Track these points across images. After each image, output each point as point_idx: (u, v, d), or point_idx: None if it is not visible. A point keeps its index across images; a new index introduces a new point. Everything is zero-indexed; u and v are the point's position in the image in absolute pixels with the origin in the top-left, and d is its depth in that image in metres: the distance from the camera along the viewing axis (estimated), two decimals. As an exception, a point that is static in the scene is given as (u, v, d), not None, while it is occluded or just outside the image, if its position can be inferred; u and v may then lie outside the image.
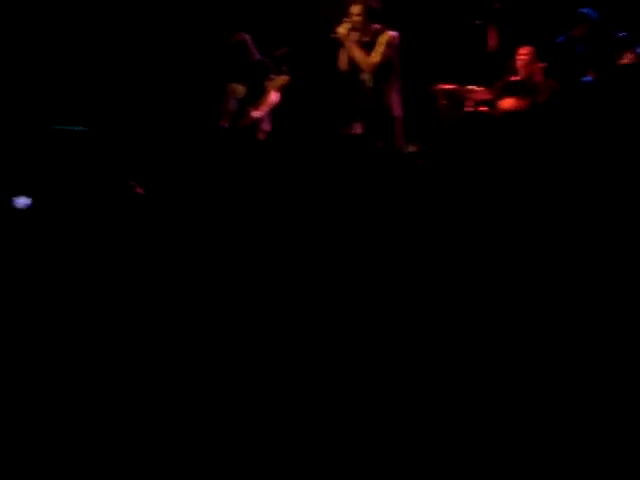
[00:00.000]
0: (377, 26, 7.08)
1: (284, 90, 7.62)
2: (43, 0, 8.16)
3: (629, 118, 5.84)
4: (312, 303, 4.49)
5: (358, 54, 6.99)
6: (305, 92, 8.64)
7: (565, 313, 4.22)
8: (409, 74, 7.45)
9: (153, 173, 7.41)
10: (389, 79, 7.04)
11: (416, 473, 3.02)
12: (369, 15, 7.06)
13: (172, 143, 7.87)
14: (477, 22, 8.76)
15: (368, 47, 7.05)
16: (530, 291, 4.47)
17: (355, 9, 7.03)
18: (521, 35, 8.49)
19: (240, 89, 7.67)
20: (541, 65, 8.36)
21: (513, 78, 8.49)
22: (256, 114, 7.48)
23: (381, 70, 6.99)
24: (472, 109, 8.63)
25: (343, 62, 7.10)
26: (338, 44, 7.12)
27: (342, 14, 7.13)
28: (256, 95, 7.58)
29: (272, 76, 7.62)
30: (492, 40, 8.71)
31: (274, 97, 7.62)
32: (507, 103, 8.38)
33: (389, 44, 7.00)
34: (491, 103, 8.53)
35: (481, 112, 8.52)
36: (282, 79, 7.58)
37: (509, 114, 7.85)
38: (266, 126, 7.68)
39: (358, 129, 7.15)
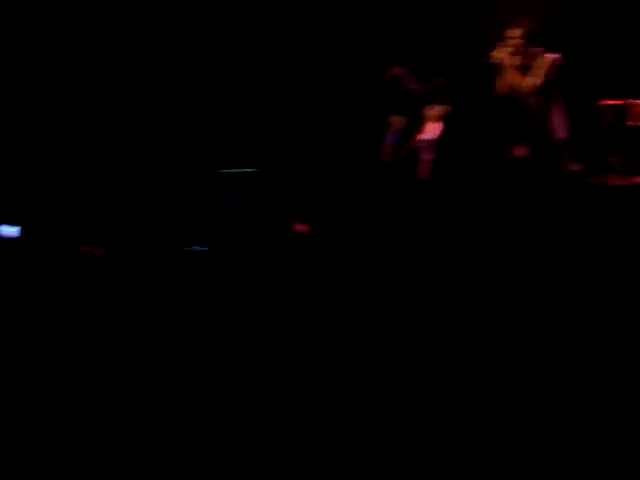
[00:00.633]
0: (537, 49, 6.93)
1: (445, 119, 7.58)
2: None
3: None
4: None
5: (519, 78, 6.88)
6: (466, 119, 8.61)
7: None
8: (573, 92, 7.28)
9: (319, 208, 7.55)
10: (552, 101, 6.90)
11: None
12: (529, 38, 6.93)
13: (336, 179, 7.99)
14: (638, 36, 8.50)
15: (527, 70, 6.89)
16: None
17: (515, 32, 6.95)
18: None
19: (400, 121, 7.70)
20: None
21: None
22: (420, 138, 7.51)
23: (543, 92, 6.85)
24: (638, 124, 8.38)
25: (502, 87, 7.00)
26: (495, 69, 6.98)
27: (496, 39, 7.00)
28: (416, 126, 7.58)
29: (431, 106, 7.59)
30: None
31: (435, 126, 7.62)
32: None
33: (551, 66, 6.86)
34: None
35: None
36: (442, 108, 7.55)
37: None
38: (428, 155, 7.68)
39: (522, 152, 7.04)
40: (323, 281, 5.76)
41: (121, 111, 8.42)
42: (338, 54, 9.09)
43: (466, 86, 8.35)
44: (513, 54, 7.01)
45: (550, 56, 6.93)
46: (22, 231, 7.27)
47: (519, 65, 7.01)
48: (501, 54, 7.01)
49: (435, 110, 7.69)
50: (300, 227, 7.64)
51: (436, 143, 7.79)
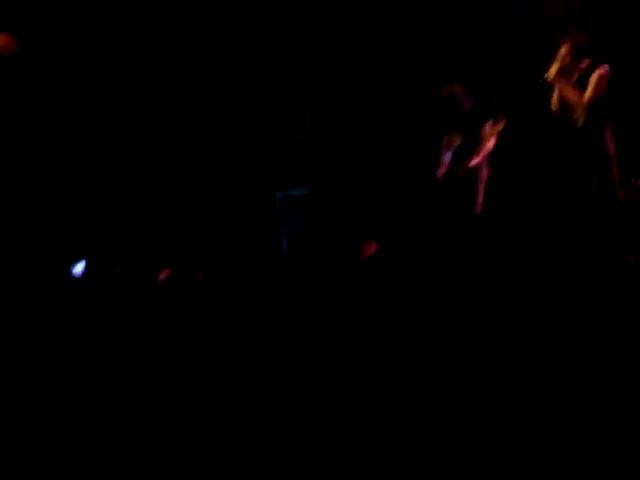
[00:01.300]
0: (586, 63, 6.98)
1: (500, 135, 7.72)
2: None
3: None
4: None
5: (569, 93, 6.95)
6: (521, 135, 8.71)
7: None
8: (623, 106, 7.30)
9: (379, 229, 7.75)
10: (602, 116, 6.93)
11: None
12: (577, 53, 6.98)
13: (395, 199, 8.19)
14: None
15: (579, 85, 6.93)
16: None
17: (563, 49, 7.01)
18: None
19: (456, 140, 7.87)
20: None
21: None
22: (474, 162, 7.66)
23: (593, 108, 6.89)
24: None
25: (555, 103, 7.08)
26: (550, 86, 7.06)
27: (548, 56, 7.09)
28: (473, 144, 7.74)
29: (488, 123, 7.73)
30: None
31: (491, 143, 7.76)
32: None
33: (600, 81, 6.89)
34: None
35: None
36: (498, 125, 7.68)
37: None
38: (485, 172, 7.83)
39: (570, 168, 7.12)
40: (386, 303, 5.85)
41: (174, 132, 8.74)
42: (395, 72, 9.31)
43: (520, 103, 8.47)
44: (563, 70, 7.02)
45: (599, 70, 6.91)
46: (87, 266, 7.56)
47: (572, 81, 7.01)
48: (553, 71, 7.03)
49: (491, 128, 7.80)
50: (368, 249, 7.90)
51: (491, 160, 7.92)
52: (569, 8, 9.18)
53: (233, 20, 9.21)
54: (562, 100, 7.09)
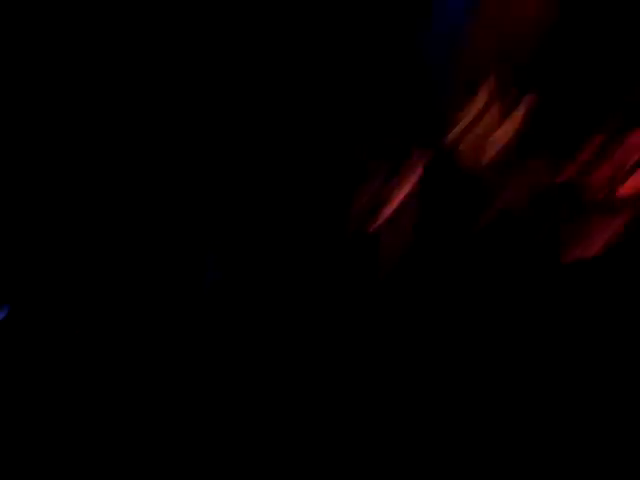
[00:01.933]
0: (513, 94, 7.01)
1: (421, 182, 7.60)
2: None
3: None
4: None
5: (497, 125, 7.02)
6: (445, 174, 8.63)
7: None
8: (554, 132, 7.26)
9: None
10: (529, 148, 6.92)
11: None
12: (501, 88, 7.03)
13: (311, 254, 7.99)
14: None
15: (506, 117, 7.04)
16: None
17: (486, 84, 7.06)
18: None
19: (364, 196, 7.76)
20: None
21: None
22: (379, 223, 7.52)
23: (521, 137, 6.91)
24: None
25: (479, 138, 7.13)
26: (473, 121, 7.10)
27: (472, 90, 7.06)
28: (391, 193, 7.61)
29: (407, 168, 7.65)
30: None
31: (411, 189, 7.65)
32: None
33: (525, 114, 6.92)
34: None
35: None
36: (418, 171, 7.59)
37: None
38: (407, 220, 7.68)
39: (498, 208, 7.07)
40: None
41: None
42: (302, 129, 9.15)
43: (443, 141, 8.35)
44: (490, 103, 7.08)
45: (526, 100, 6.98)
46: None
47: (495, 113, 7.08)
48: (478, 103, 7.09)
49: (411, 173, 7.73)
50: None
51: (414, 207, 7.79)
52: (491, 42, 9.23)
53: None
54: (489, 132, 7.07)
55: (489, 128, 6.87)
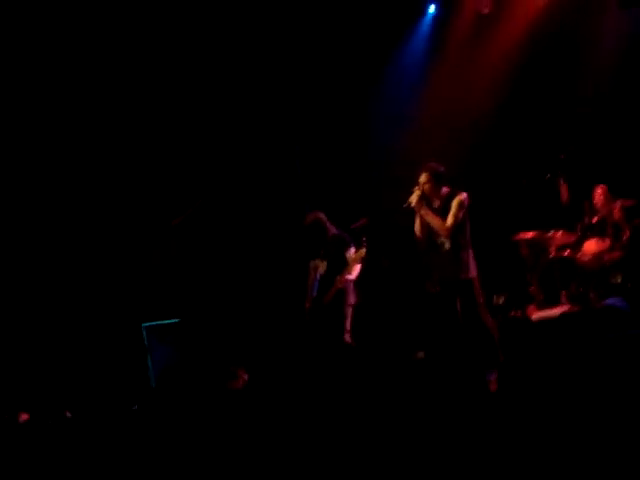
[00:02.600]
0: (446, 189, 7.06)
1: (364, 261, 7.72)
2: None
3: None
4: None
5: (433, 220, 6.99)
6: (387, 260, 8.79)
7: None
8: (490, 227, 7.45)
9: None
10: (463, 239, 7.00)
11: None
12: (436, 180, 7.06)
13: (261, 329, 8.08)
14: (547, 176, 8.78)
15: (440, 211, 7.00)
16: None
17: (422, 176, 7.08)
18: (593, 178, 8.47)
19: (320, 265, 7.82)
20: (620, 201, 8.27)
21: (592, 219, 8.43)
22: (342, 281, 7.62)
23: (455, 232, 6.95)
24: (556, 255, 8.57)
25: (418, 229, 7.11)
26: (412, 213, 7.10)
27: (410, 184, 7.17)
28: (337, 269, 7.70)
29: (351, 249, 7.72)
30: (564, 191, 8.69)
31: (356, 269, 7.74)
32: (590, 244, 8.29)
33: (460, 206, 6.94)
34: (574, 246, 8.45)
35: (565, 257, 8.45)
36: (363, 251, 7.68)
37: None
38: (351, 299, 7.79)
39: (432, 288, 7.16)
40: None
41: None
42: (259, 200, 9.31)
43: (384, 229, 8.56)
44: (425, 197, 7.08)
45: (459, 195, 6.99)
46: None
47: (433, 207, 7.07)
48: (415, 198, 7.07)
49: (355, 253, 7.79)
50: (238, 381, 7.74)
51: (356, 285, 7.89)
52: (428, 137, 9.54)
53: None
54: (426, 226, 7.08)
55: (427, 213, 6.90)
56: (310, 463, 5.14)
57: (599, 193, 8.41)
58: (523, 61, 9.71)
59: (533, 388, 5.69)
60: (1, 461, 5.49)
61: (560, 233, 8.64)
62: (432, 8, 10.54)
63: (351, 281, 7.84)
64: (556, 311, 7.96)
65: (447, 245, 6.98)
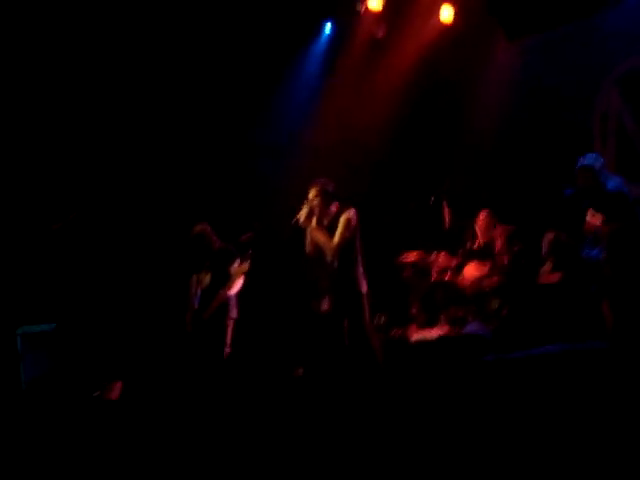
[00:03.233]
0: (335, 207, 7.06)
1: (247, 275, 7.67)
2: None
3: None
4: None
5: (320, 237, 6.98)
6: (272, 275, 8.76)
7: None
8: (374, 248, 7.49)
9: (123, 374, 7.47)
10: (352, 257, 7.00)
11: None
12: (325, 197, 7.06)
13: (140, 340, 7.93)
14: (431, 200, 8.94)
15: (329, 229, 6.99)
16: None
17: (312, 193, 7.07)
18: (476, 203, 8.65)
19: (204, 278, 7.73)
20: (501, 229, 8.47)
21: (474, 244, 8.60)
22: (224, 294, 7.55)
23: (344, 249, 6.95)
24: (437, 278, 8.70)
25: (308, 246, 7.10)
26: (301, 229, 7.07)
27: (300, 199, 7.16)
28: (220, 283, 7.63)
29: (235, 262, 7.66)
30: (447, 215, 8.87)
31: (239, 283, 7.68)
32: (470, 269, 8.45)
33: (348, 224, 6.94)
34: (455, 269, 8.60)
35: (446, 281, 8.59)
36: (246, 265, 7.63)
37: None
38: (233, 313, 7.73)
39: (325, 305, 7.13)
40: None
41: None
42: (145, 211, 9.15)
43: (275, 244, 8.52)
44: (313, 214, 7.07)
45: (347, 213, 7.00)
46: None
47: (322, 224, 7.06)
48: (304, 215, 7.06)
49: (239, 267, 7.74)
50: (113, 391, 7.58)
51: (238, 299, 7.84)
52: (317, 151, 9.59)
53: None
54: (313, 242, 7.08)
55: (315, 230, 6.91)
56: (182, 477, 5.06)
57: (481, 218, 8.59)
58: (414, 88, 9.85)
59: (406, 408, 5.74)
60: None
61: (442, 256, 8.78)
62: (328, 28, 10.56)
63: (234, 295, 7.76)
64: (434, 333, 8.07)
65: (336, 263, 6.95)
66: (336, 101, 10.07)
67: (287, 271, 8.78)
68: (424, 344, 7.92)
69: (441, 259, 8.79)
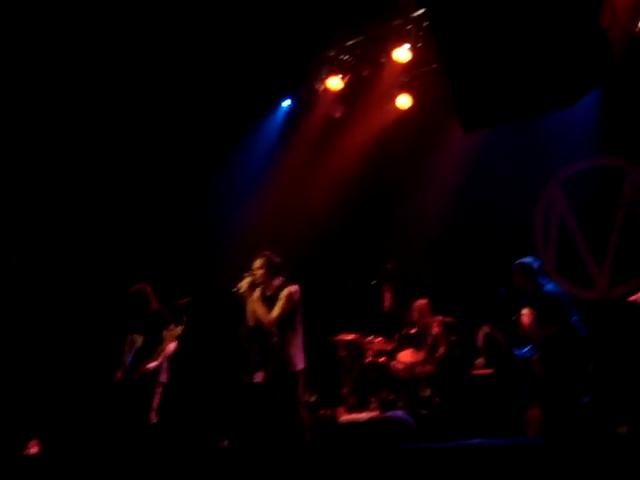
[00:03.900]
0: (279, 280, 7.02)
1: (180, 340, 7.58)
2: None
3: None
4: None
5: (259, 309, 6.89)
6: (207, 342, 8.69)
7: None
8: (311, 325, 7.45)
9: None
10: (291, 332, 6.93)
11: None
12: (270, 269, 7.02)
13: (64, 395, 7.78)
14: (372, 282, 9.00)
15: (270, 301, 6.91)
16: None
17: (257, 263, 7.02)
18: (415, 291, 8.72)
19: (138, 339, 7.64)
20: (439, 318, 8.54)
21: (411, 330, 8.66)
22: (151, 365, 7.44)
23: (283, 323, 6.89)
24: (372, 360, 8.72)
25: (249, 316, 7.02)
26: (241, 298, 6.99)
27: (243, 269, 7.11)
28: (153, 345, 7.53)
29: (170, 326, 7.58)
30: (387, 298, 8.93)
31: (171, 347, 7.59)
32: (405, 354, 8.50)
33: (289, 298, 6.87)
34: (390, 354, 8.64)
35: (380, 364, 8.61)
36: (179, 329, 7.54)
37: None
38: (163, 377, 7.61)
39: (259, 378, 7.05)
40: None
41: None
42: (86, 264, 9.06)
43: (212, 310, 8.45)
44: (256, 284, 7.02)
45: (290, 288, 6.96)
46: None
47: (264, 295, 7.01)
48: (245, 284, 7.00)
49: (173, 331, 7.65)
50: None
51: (170, 363, 7.74)
52: (265, 223, 9.61)
53: None
54: (254, 314, 7.01)
55: (254, 300, 6.86)
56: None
57: (419, 306, 8.66)
58: (367, 169, 9.97)
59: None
60: None
61: (379, 339, 8.82)
62: (287, 102, 10.70)
63: (165, 358, 7.65)
64: (363, 416, 8.04)
65: (275, 337, 6.88)
66: (288, 175, 10.14)
67: (221, 339, 8.71)
68: (353, 425, 7.89)
69: (377, 342, 8.83)
